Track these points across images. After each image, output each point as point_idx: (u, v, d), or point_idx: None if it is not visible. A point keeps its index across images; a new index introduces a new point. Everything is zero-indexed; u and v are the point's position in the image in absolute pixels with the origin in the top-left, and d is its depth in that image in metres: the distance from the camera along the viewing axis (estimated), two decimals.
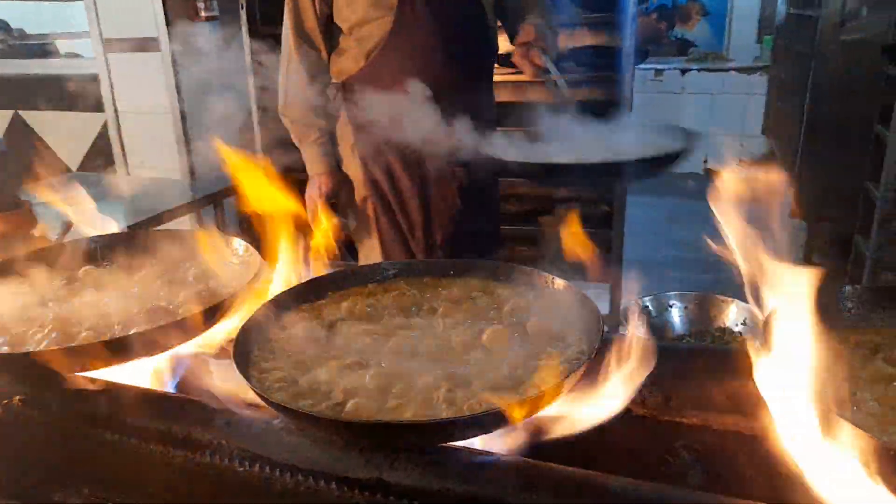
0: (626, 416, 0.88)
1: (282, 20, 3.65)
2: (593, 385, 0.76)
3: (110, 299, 0.94)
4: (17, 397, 0.81)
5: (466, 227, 1.83)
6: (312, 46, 1.79)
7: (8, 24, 5.91)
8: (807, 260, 3.99)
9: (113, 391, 0.81)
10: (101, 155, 4.91)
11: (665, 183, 6.29)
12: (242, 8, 3.40)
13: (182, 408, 0.77)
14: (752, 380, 0.75)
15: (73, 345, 0.82)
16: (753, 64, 6.31)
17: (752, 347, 0.74)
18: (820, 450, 0.64)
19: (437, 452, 0.66)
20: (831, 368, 0.73)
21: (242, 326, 0.80)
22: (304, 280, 0.94)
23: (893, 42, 3.11)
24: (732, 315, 1.56)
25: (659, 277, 3.83)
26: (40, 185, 1.23)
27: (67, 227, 2.55)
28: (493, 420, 0.64)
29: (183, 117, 4.55)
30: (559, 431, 0.79)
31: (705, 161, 6.50)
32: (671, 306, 1.63)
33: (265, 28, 3.55)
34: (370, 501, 0.63)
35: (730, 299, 1.57)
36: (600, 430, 0.80)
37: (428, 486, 0.63)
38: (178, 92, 4.49)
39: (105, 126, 4.81)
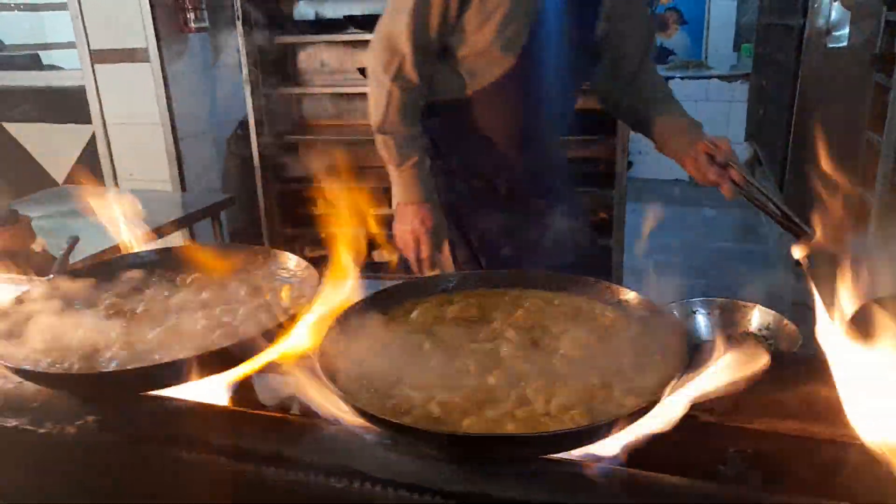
0: (690, 422, 0.90)
1: (276, 30, 3.65)
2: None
3: (170, 316, 0.93)
4: (91, 417, 0.80)
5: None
6: (417, 66, 1.54)
7: None
8: (796, 265, 4.08)
9: (190, 410, 0.81)
10: (87, 167, 4.84)
11: (651, 189, 6.40)
12: (239, 19, 3.39)
13: (265, 425, 0.76)
14: (826, 384, 0.77)
15: (144, 365, 0.81)
16: (731, 72, 6.44)
17: (829, 351, 0.76)
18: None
19: (539, 464, 0.67)
20: None
21: (324, 339, 0.80)
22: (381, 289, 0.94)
23: (881, 51, 3.20)
24: (756, 320, 1.58)
25: (653, 284, 3.89)
26: (90, 198, 1.21)
27: (74, 241, 2.51)
28: (596, 433, 0.65)
29: (173, 129, 4.51)
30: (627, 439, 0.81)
31: None
32: (695, 312, 1.64)
33: (259, 38, 3.53)
34: None
35: (751, 304, 1.59)
36: (661, 438, 0.81)
37: (535, 499, 0.63)
38: (168, 103, 4.45)
39: (93, 138, 4.74)
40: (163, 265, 1.09)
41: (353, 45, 3.79)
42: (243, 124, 5.09)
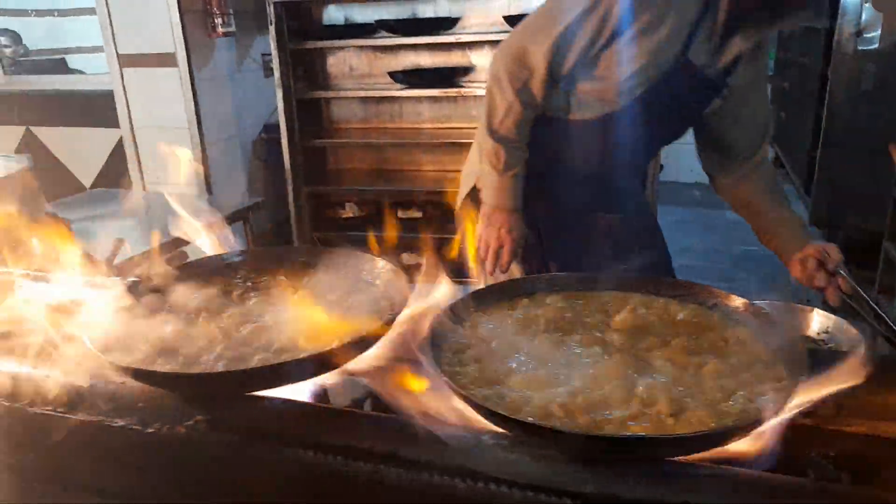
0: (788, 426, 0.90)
1: (309, 35, 3.67)
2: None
3: (263, 317, 0.94)
4: (199, 417, 0.80)
5: None
6: (553, 81, 1.56)
7: (19, 37, 5.86)
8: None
9: (300, 409, 0.81)
10: (114, 172, 4.88)
11: (673, 192, 6.37)
12: (271, 24, 3.41)
13: (377, 424, 0.77)
14: None
15: (253, 367, 0.82)
16: None
17: None
18: None
19: (666, 465, 0.67)
20: None
21: (430, 338, 0.80)
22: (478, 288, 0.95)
23: None
24: (815, 324, 1.57)
25: None
26: (176, 203, 1.22)
27: (119, 243, 2.53)
28: (729, 435, 0.65)
29: (200, 133, 4.54)
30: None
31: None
32: None
33: (292, 43, 3.55)
34: None
35: (808, 308, 1.59)
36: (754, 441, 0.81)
37: (665, 500, 0.63)
38: (196, 107, 4.48)
39: (120, 142, 4.78)
40: (245, 267, 1.10)
41: (382, 50, 3.81)
42: (268, 128, 5.13)
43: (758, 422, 0.68)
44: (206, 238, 1.16)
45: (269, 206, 4.52)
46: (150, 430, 0.81)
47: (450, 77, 3.65)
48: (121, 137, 4.79)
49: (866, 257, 3.43)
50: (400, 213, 3.85)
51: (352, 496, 0.74)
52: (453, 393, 0.74)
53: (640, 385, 0.72)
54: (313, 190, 3.84)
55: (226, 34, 4.55)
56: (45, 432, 0.87)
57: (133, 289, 1.02)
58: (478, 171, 1.72)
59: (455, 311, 0.88)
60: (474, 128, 3.81)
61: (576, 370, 0.77)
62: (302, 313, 0.93)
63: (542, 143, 1.65)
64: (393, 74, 3.65)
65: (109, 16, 4.47)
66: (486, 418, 0.71)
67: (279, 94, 3.58)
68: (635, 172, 1.91)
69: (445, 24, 3.57)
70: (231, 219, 3.52)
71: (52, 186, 4.83)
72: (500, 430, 0.73)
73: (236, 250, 1.15)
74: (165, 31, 4.36)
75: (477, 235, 1.65)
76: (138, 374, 0.82)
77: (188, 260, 1.19)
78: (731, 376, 0.75)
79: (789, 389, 0.70)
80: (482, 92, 3.60)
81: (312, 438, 0.76)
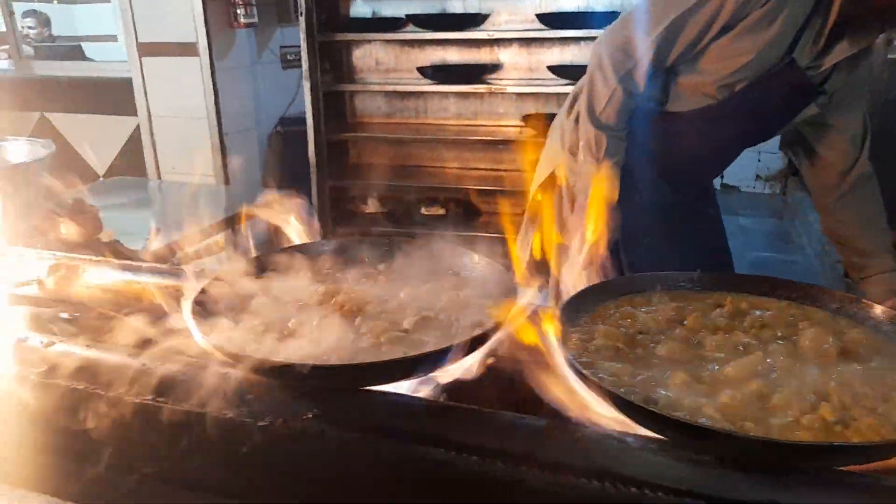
0: None
1: (336, 27, 3.64)
2: None
3: (382, 310, 0.90)
4: (314, 412, 0.77)
5: None
6: (658, 71, 1.58)
7: (48, 20, 5.80)
8: (847, 275, 4.04)
9: (424, 407, 0.78)
10: (129, 160, 4.83)
11: None
12: (301, 15, 3.37)
13: (514, 425, 0.74)
14: None
15: (374, 361, 0.79)
16: None
17: None
18: None
19: (830, 474, 0.64)
20: None
21: (562, 335, 0.77)
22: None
23: None
24: None
25: None
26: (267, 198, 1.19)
27: (156, 232, 2.49)
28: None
29: (219, 123, 4.50)
30: None
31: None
32: None
33: (320, 36, 3.51)
34: None
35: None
36: None
37: None
38: (216, 98, 4.44)
39: (136, 131, 4.73)
40: (340, 255, 1.07)
41: (410, 44, 3.77)
42: (284, 121, 5.09)
43: None
44: (295, 226, 1.13)
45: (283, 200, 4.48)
46: (263, 424, 0.78)
47: (478, 74, 3.62)
48: (137, 126, 4.74)
49: None
50: (423, 210, 3.81)
51: (488, 497, 0.71)
52: (595, 392, 0.71)
53: (795, 389, 0.69)
54: (335, 184, 3.81)
55: (247, 25, 4.51)
56: (147, 423, 0.84)
57: (234, 275, 0.99)
58: (556, 160, 1.71)
59: (570, 310, 0.85)
60: (501, 125, 3.81)
61: (717, 371, 0.74)
62: (410, 307, 0.90)
63: (634, 135, 1.64)
64: (422, 69, 3.62)
65: (131, 4, 4.42)
66: (640, 419, 0.68)
67: (306, 86, 3.54)
68: (716, 172, 1.92)
69: (475, 20, 3.54)
70: (247, 214, 3.47)
71: (65, 174, 4.78)
72: (645, 432, 0.70)
73: (323, 240, 1.11)
74: (187, 21, 4.32)
75: (567, 226, 1.64)
76: (252, 363, 0.79)
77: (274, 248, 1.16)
78: (880, 382, 0.72)
79: None
80: (511, 89, 3.58)
81: (441, 436, 0.73)
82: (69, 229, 2.47)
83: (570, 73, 3.38)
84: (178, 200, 3.48)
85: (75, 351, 0.92)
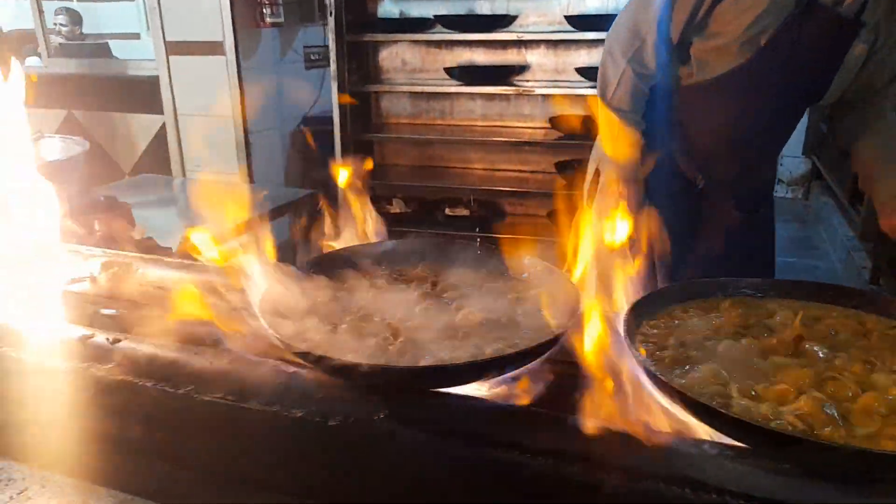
0: None
1: (364, 28, 3.65)
2: None
3: (439, 313, 0.91)
4: (384, 412, 0.78)
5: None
6: (666, 47, 1.59)
7: (80, 17, 5.86)
8: (873, 282, 4.00)
9: (496, 410, 0.78)
10: (154, 158, 4.88)
11: None
12: (331, 15, 3.38)
13: (581, 428, 0.74)
14: None
15: (444, 364, 0.79)
16: None
17: None
18: None
19: None
20: None
21: (636, 341, 0.77)
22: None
23: None
24: None
25: None
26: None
27: (191, 231, 2.51)
28: None
29: (244, 121, 4.53)
30: None
31: None
32: None
33: (349, 36, 3.53)
34: None
35: None
36: None
37: None
38: (241, 96, 4.47)
39: (162, 129, 4.77)
40: (408, 259, 1.07)
41: (437, 45, 3.78)
42: (307, 120, 5.11)
43: None
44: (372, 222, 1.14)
45: (307, 199, 4.51)
46: (333, 424, 0.78)
47: (505, 75, 3.62)
48: (163, 124, 4.78)
49: None
50: (448, 211, 3.82)
51: (565, 500, 0.71)
52: (670, 398, 0.71)
53: (876, 398, 0.69)
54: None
55: (273, 24, 4.54)
56: (215, 422, 0.85)
57: (291, 275, 0.99)
58: (595, 156, 1.71)
59: (636, 314, 0.85)
60: (527, 127, 3.80)
61: (790, 378, 0.73)
62: (475, 306, 0.90)
63: (664, 119, 1.65)
64: (449, 70, 3.62)
65: (159, 3, 4.45)
66: (721, 426, 0.68)
67: (334, 86, 3.55)
68: (773, 143, 1.80)
69: (503, 21, 3.54)
70: (277, 212, 3.49)
71: (95, 172, 4.83)
72: (722, 439, 0.70)
73: (383, 240, 1.12)
74: (215, 20, 4.35)
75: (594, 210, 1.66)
76: (322, 362, 0.79)
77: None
78: None
79: None
80: (539, 91, 3.57)
81: (518, 439, 0.73)
82: (103, 227, 2.50)
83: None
84: (204, 198, 3.50)
85: (142, 348, 0.93)
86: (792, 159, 6.46)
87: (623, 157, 1.58)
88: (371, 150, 4.10)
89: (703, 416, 0.69)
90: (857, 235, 4.32)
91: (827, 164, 5.55)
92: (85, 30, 6.48)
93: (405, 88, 3.81)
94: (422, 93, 3.86)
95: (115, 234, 2.48)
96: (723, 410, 0.66)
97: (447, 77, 3.67)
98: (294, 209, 3.43)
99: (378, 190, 4.02)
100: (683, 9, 1.50)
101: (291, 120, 5.08)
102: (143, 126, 4.92)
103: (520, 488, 0.72)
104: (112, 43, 6.16)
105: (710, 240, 1.67)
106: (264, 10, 4.45)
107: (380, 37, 3.66)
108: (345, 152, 3.71)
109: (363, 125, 3.92)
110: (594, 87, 3.30)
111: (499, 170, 3.88)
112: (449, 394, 0.81)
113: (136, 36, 6.32)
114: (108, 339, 0.96)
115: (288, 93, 4.99)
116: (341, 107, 3.58)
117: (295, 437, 0.81)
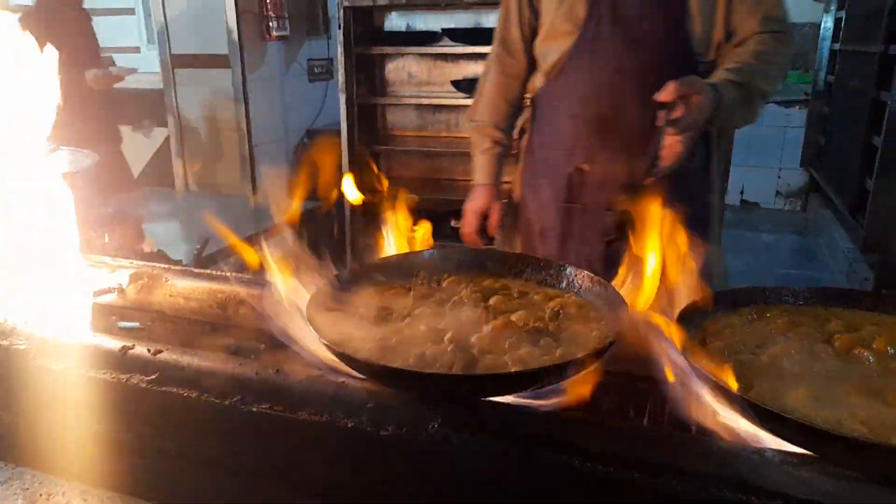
0: None
1: (372, 41, 3.67)
2: None
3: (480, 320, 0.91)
4: (437, 421, 0.77)
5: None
6: (511, 55, 1.77)
7: None
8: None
9: (557, 417, 0.78)
10: (159, 170, 4.87)
11: None
12: (340, 28, 3.40)
13: (652, 436, 0.74)
14: None
15: (500, 372, 0.79)
16: (789, 97, 6.41)
17: None
18: None
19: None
20: None
21: (693, 344, 0.77)
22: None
23: None
24: None
25: None
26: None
27: (205, 242, 2.51)
28: None
29: (249, 134, 4.54)
30: None
31: (742, 192, 6.58)
32: None
33: (358, 48, 3.55)
34: None
35: None
36: None
37: None
38: (246, 109, 4.48)
39: (166, 141, 4.77)
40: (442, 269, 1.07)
41: (444, 58, 3.80)
42: (311, 133, 5.13)
43: None
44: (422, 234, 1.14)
45: (313, 212, 4.51)
46: (386, 433, 0.78)
47: None
48: (167, 136, 4.79)
49: None
50: (453, 223, 3.82)
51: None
52: (730, 404, 0.71)
53: None
54: (366, 196, 3.82)
55: (279, 38, 4.56)
56: (262, 433, 0.84)
57: (334, 284, 0.99)
58: None
59: (685, 321, 0.85)
60: None
61: (853, 386, 0.74)
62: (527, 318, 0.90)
63: (535, 120, 1.80)
64: (456, 83, 3.64)
65: (165, 16, 4.47)
66: (785, 432, 0.68)
67: (342, 98, 3.57)
68: (640, 120, 1.60)
69: None
70: (282, 225, 3.48)
71: (102, 185, 4.81)
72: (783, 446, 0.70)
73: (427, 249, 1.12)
74: (220, 33, 4.37)
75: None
76: (375, 370, 0.79)
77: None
78: None
79: None
80: None
81: (574, 445, 0.73)
82: (113, 239, 2.49)
83: None
84: (211, 211, 3.50)
85: (184, 359, 0.92)
86: (789, 171, 6.51)
87: None
88: (377, 162, 4.11)
89: (767, 421, 0.69)
90: (858, 247, 4.34)
91: (825, 175, 5.60)
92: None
93: (412, 101, 3.83)
94: (428, 105, 3.88)
95: (127, 246, 2.48)
96: (789, 416, 0.66)
97: (453, 90, 3.69)
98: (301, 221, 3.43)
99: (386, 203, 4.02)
100: (512, 12, 1.71)
101: (296, 133, 5.09)
102: (147, 139, 4.92)
103: (575, 493, 0.72)
104: (116, 56, 6.16)
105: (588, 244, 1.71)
106: (270, 24, 4.48)
107: (387, 49, 3.69)
108: (353, 164, 3.72)
109: (370, 137, 3.93)
110: None
111: (504, 182, 3.88)
112: (500, 402, 0.81)
113: (137, 49, 6.33)
114: (149, 349, 0.95)
115: (292, 105, 5.01)
116: (349, 118, 3.59)
117: (346, 447, 0.81)
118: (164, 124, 4.73)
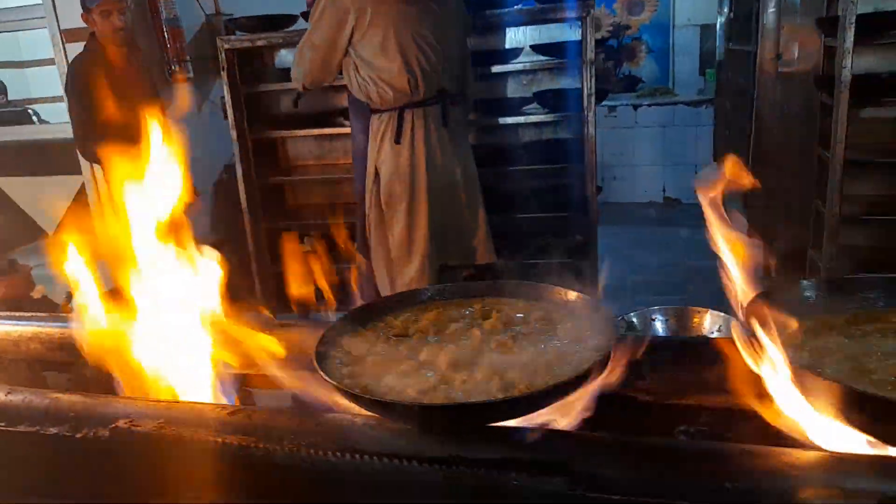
0: (633, 403, 1.04)
1: (262, 79, 3.83)
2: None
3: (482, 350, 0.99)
4: (449, 452, 0.80)
5: None
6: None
7: (4, 87, 5.96)
8: (766, 276, 4.25)
9: (574, 440, 0.85)
10: (79, 217, 4.95)
11: (627, 212, 6.60)
12: (223, 69, 3.57)
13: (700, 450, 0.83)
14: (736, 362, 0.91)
15: (504, 397, 0.84)
16: (698, 97, 6.72)
17: (737, 335, 0.90)
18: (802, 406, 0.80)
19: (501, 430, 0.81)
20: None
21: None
22: None
23: (823, 73, 3.44)
24: (707, 323, 1.75)
25: (631, 300, 4.04)
26: None
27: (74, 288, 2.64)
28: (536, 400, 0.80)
29: None
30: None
31: (664, 190, 6.85)
32: (654, 319, 1.81)
33: (246, 87, 3.71)
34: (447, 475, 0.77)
35: (704, 309, 1.76)
36: (606, 418, 0.93)
37: (493, 457, 0.77)
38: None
39: (82, 188, 4.86)
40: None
41: (335, 90, 3.99)
42: (228, 168, 5.26)
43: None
44: None
45: (230, 244, 4.62)
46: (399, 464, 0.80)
47: None
48: (83, 184, 4.88)
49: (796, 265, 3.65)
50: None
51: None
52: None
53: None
54: (271, 226, 3.97)
55: (185, 80, 4.70)
56: (286, 472, 0.87)
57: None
58: None
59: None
60: None
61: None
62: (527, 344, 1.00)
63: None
64: (345, 112, 3.82)
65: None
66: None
67: (233, 134, 3.73)
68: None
69: None
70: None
71: (14, 234, 4.88)
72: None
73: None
74: None
75: None
76: (380, 405, 0.85)
77: None
78: (557, 357, 0.89)
79: None
80: None
81: (576, 463, 0.78)
82: (2, 289, 2.62)
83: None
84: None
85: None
86: (706, 168, 6.79)
87: None
88: (282, 193, 4.27)
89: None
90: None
91: None
92: (11, 96, 6.57)
93: (307, 132, 4.00)
94: (323, 135, 4.05)
95: (13, 295, 2.60)
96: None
97: (346, 118, 3.86)
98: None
99: (292, 231, 4.17)
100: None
101: (212, 170, 5.21)
102: (63, 187, 5.00)
103: None
104: (44, 107, 6.26)
105: None
106: (173, 67, 4.63)
107: (273, 86, 3.86)
108: (252, 197, 3.86)
109: (272, 169, 4.09)
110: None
111: None
112: (509, 427, 0.86)
113: (61, 98, 6.42)
114: None
115: (207, 143, 5.13)
116: (244, 154, 3.75)
117: (356, 482, 0.83)
118: (79, 171, 4.83)
